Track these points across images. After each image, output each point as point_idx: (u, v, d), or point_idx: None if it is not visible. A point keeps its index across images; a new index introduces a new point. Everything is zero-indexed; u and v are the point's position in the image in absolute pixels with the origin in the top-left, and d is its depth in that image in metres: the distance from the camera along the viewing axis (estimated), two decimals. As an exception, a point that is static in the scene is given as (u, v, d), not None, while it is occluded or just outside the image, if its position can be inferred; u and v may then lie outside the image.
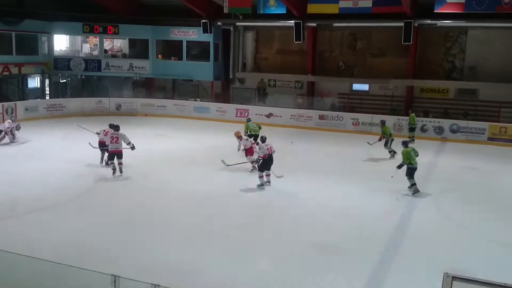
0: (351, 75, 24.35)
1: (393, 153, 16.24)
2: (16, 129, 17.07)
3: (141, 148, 16.77)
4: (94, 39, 26.28)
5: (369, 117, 21.44)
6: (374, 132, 20.96)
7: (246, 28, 26.03)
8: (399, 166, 12.25)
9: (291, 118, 22.77)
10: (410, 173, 12.19)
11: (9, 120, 17.21)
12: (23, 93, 24.31)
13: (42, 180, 12.57)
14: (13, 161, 14.54)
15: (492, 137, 19.70)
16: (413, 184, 12.19)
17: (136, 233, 9.14)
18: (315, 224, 9.99)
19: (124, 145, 13.02)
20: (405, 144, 12.59)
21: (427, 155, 17.36)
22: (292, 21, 22.68)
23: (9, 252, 6.00)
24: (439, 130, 20.49)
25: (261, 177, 12.18)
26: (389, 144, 16.45)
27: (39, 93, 25.34)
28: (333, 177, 13.47)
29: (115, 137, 12.88)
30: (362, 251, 8.71)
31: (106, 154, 13.66)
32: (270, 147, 12.27)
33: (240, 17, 24.34)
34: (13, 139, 16.75)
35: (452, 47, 22.80)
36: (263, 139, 12.48)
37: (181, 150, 16.80)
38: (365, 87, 24.19)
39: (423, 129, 20.65)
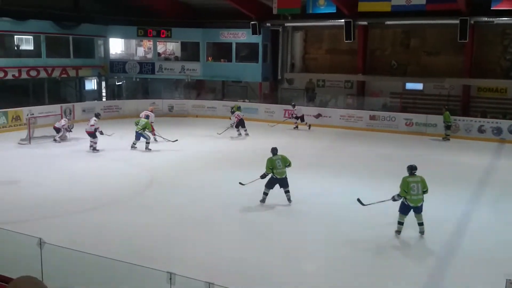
0: (404, 74, 23.74)
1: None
2: (69, 130, 17.85)
3: (191, 148, 17.22)
4: (148, 43, 27.03)
5: (423, 118, 20.84)
6: (429, 133, 20.46)
7: (295, 28, 25.96)
8: (262, 176, 10.85)
9: (340, 118, 22.52)
10: (270, 182, 10.78)
11: (65, 119, 17.98)
12: (81, 95, 25.27)
13: (99, 179, 13.04)
14: (71, 160, 15.15)
15: (554, 138, 18.71)
16: (264, 193, 10.81)
17: (190, 231, 9.31)
18: (366, 226, 9.79)
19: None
20: (272, 151, 10.93)
21: (485, 157, 16.78)
22: (342, 20, 22.40)
23: (67, 248, 6.24)
24: (497, 131, 19.63)
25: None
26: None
27: (96, 95, 26.32)
28: (385, 180, 13.17)
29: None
30: (418, 254, 8.48)
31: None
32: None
33: (289, 17, 24.26)
34: (66, 138, 17.68)
35: (510, 45, 21.80)
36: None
37: (230, 150, 16.98)
38: (419, 86, 23.52)
39: (480, 130, 19.88)
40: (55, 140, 17.36)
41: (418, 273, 7.74)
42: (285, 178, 10.79)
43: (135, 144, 16.59)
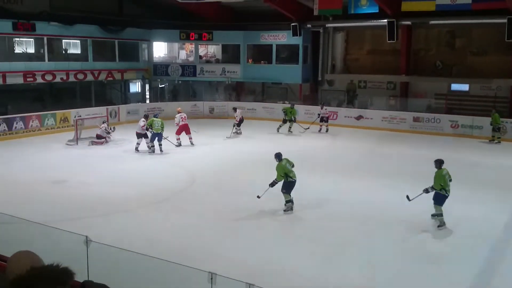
0: (449, 74, 23.06)
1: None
2: (112, 130, 18.28)
3: (231, 149, 17.37)
4: (190, 46, 27.47)
5: (469, 119, 20.19)
6: (475, 135, 19.80)
7: (336, 29, 25.71)
8: (272, 184, 10.45)
9: (382, 120, 22.12)
10: (289, 187, 10.39)
11: (102, 125, 18.24)
12: (125, 97, 25.97)
13: (142, 179, 13.35)
14: (116, 160, 15.57)
15: None
16: (288, 201, 10.44)
17: (230, 232, 9.39)
18: (409, 230, 9.59)
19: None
20: (278, 157, 10.57)
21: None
22: (385, 20, 22.00)
23: (112, 246, 6.40)
24: (548, 133, 18.78)
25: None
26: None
27: (139, 97, 26.96)
28: (429, 181, 12.84)
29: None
30: (464, 259, 8.22)
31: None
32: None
33: (330, 18, 24.08)
34: (110, 139, 18.13)
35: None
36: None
37: (268, 152, 16.92)
38: (465, 87, 22.80)
39: (529, 133, 19.08)
40: (92, 142, 17.66)
41: (463, 279, 7.51)
42: None
43: (153, 146, 16.30)
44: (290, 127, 20.73)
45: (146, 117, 16.99)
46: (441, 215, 9.58)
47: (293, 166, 10.58)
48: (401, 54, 23.62)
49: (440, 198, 9.58)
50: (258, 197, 10.54)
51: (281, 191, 10.46)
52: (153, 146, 16.32)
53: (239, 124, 19.92)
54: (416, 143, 18.87)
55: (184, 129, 17.61)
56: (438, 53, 23.68)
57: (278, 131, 20.79)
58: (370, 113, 22.58)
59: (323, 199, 11.55)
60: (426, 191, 9.72)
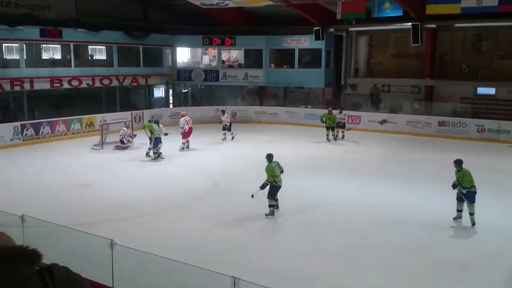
0: (475, 78, 22.64)
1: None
2: (133, 136, 18.43)
3: (253, 153, 17.34)
4: (213, 51, 27.67)
5: (496, 124, 19.76)
6: (502, 140, 19.38)
7: (359, 33, 25.54)
8: (263, 186, 10.24)
9: (407, 124, 21.82)
10: (273, 192, 10.25)
11: (123, 128, 18.33)
12: (149, 102, 26.29)
13: (165, 183, 13.48)
14: (139, 165, 15.78)
15: None
16: (271, 205, 10.27)
17: (253, 237, 9.39)
18: (435, 237, 9.43)
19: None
20: (269, 158, 10.44)
21: None
22: (409, 24, 21.74)
23: (137, 250, 6.46)
24: None
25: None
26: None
27: (163, 102, 27.24)
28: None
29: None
30: (490, 268, 8.03)
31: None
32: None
33: (353, 22, 23.95)
34: (131, 145, 18.17)
35: None
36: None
37: (288, 157, 16.89)
38: (491, 91, 22.37)
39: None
40: (116, 147, 17.85)
41: (490, 283, 7.36)
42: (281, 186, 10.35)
43: (157, 152, 16.09)
44: (334, 135, 19.78)
45: (156, 123, 16.96)
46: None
47: (282, 172, 10.42)
48: (425, 57, 23.32)
49: (473, 196, 9.70)
50: (252, 196, 10.36)
51: (266, 197, 10.34)
52: (157, 152, 16.18)
53: (229, 128, 19.64)
54: (441, 148, 18.55)
55: (189, 133, 17.57)
56: (464, 57, 23.28)
57: (328, 139, 19.69)
58: (394, 117, 22.31)
59: (344, 203, 11.44)
60: (461, 193, 9.76)
